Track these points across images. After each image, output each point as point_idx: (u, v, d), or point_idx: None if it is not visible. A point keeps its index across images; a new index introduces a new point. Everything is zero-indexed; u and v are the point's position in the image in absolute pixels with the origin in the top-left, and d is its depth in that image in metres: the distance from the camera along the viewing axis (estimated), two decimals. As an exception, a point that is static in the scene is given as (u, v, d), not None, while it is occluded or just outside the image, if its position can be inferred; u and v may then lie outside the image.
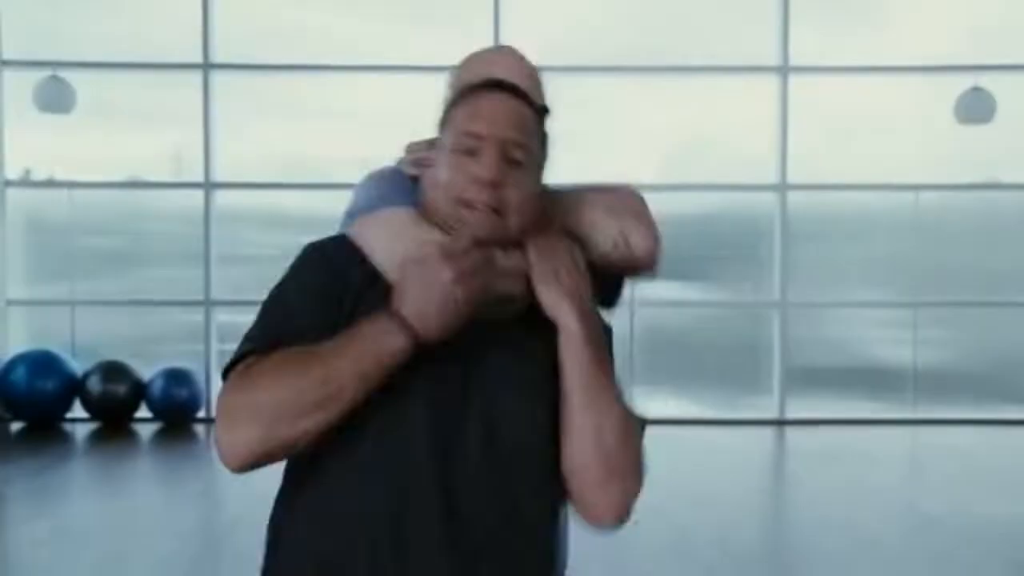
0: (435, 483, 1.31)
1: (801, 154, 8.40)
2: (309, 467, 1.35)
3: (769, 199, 8.53)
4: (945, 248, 8.71)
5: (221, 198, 8.49)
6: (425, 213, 1.45)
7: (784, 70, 8.37)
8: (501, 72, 1.57)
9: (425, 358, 1.32)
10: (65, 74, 8.10)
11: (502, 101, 1.43)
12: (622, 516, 1.39)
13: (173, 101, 8.54)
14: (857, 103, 8.48)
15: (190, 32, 8.27)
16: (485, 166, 1.37)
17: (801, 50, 8.35)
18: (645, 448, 1.41)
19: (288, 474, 1.40)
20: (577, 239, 1.48)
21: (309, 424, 1.28)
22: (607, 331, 1.53)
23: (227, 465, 1.31)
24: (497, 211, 1.38)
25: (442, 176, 1.42)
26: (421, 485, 1.31)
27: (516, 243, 1.41)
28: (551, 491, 1.40)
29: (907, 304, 8.66)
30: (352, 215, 1.54)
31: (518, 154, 1.40)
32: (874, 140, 8.51)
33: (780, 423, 8.33)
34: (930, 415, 8.39)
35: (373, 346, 1.29)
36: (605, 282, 1.53)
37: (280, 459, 1.33)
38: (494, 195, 1.37)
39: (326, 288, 1.40)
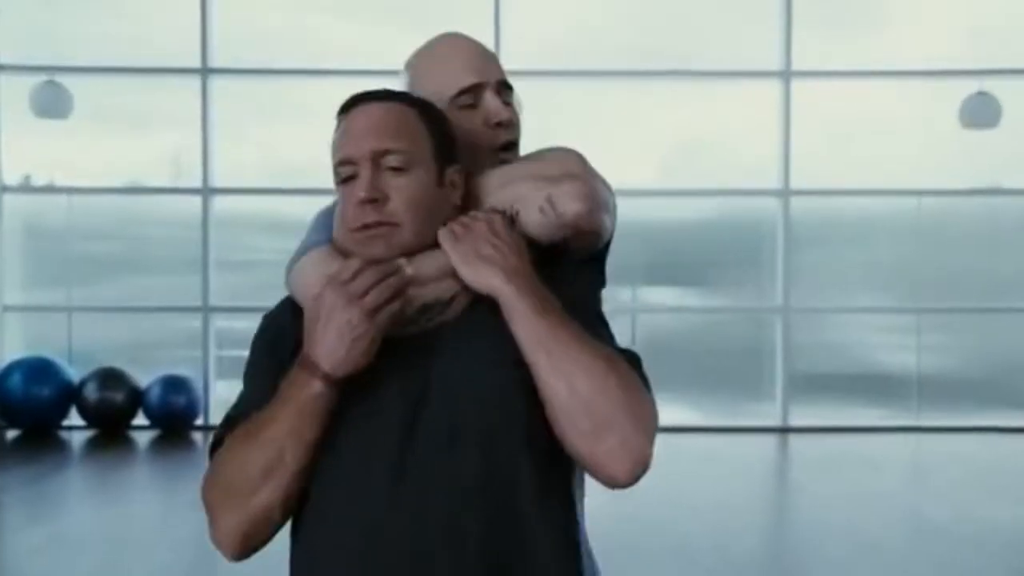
0: (406, 517, 1.25)
1: (803, 159, 8.40)
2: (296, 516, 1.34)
3: (771, 204, 8.54)
4: (948, 253, 8.72)
5: (222, 203, 8.50)
6: (340, 249, 1.41)
7: (786, 74, 8.39)
8: (450, 69, 1.51)
9: (376, 384, 1.29)
10: (62, 79, 8.11)
11: (367, 114, 1.38)
12: (634, 467, 1.26)
13: (171, 106, 8.56)
14: (860, 107, 8.48)
15: (188, 36, 8.28)
16: (359, 187, 1.33)
17: (804, 54, 8.36)
18: (636, 381, 1.29)
19: None
20: (507, 217, 1.40)
21: (268, 494, 1.27)
22: (597, 283, 1.50)
23: (226, 557, 1.32)
24: (390, 224, 1.33)
25: (338, 210, 1.40)
26: (392, 524, 1.25)
27: (432, 245, 1.36)
28: (549, 479, 1.32)
29: (910, 310, 8.66)
30: (289, 264, 1.48)
31: (394, 160, 1.35)
32: (877, 145, 8.50)
33: (783, 430, 8.32)
34: (934, 422, 8.39)
35: (292, 400, 1.26)
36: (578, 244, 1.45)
37: (271, 534, 1.31)
38: (377, 211, 1.33)
39: (269, 357, 1.39)
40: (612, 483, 1.28)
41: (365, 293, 1.25)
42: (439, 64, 1.55)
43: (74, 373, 7.97)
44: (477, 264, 1.33)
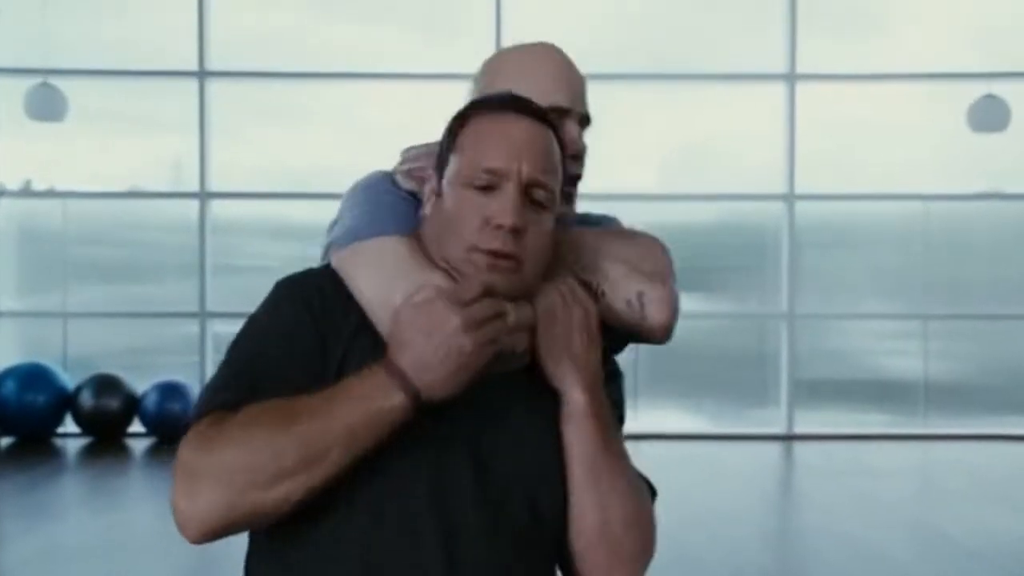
0: (438, 557, 1.20)
1: (809, 163, 8.39)
2: (287, 527, 1.21)
3: (776, 209, 8.53)
4: (956, 259, 8.71)
5: (224, 208, 8.48)
6: (423, 246, 1.30)
7: (791, 77, 8.37)
8: (543, 82, 1.44)
9: (422, 417, 1.19)
10: (57, 81, 8.07)
11: (526, 130, 1.26)
12: None
13: (169, 109, 8.55)
14: (866, 111, 8.46)
15: (186, 39, 8.27)
16: (507, 211, 1.21)
17: (809, 57, 8.35)
18: (654, 519, 1.34)
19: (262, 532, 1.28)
20: (589, 288, 1.35)
21: (287, 490, 1.13)
22: (617, 375, 1.43)
23: (185, 535, 1.16)
24: (515, 259, 1.23)
25: (450, 211, 1.25)
26: (422, 558, 1.20)
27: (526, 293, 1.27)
28: (555, 560, 1.33)
29: (917, 316, 8.64)
30: (337, 241, 1.35)
31: (541, 195, 1.25)
32: (883, 149, 8.48)
33: (788, 438, 8.30)
34: (941, 430, 8.37)
35: (365, 403, 1.14)
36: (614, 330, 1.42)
37: (249, 529, 1.21)
38: (514, 243, 1.22)
39: (307, 332, 1.25)
40: None
41: (483, 322, 1.16)
42: (531, 71, 1.47)
43: (69, 380, 7.95)
44: (562, 360, 1.27)
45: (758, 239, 8.71)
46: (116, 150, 8.70)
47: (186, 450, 1.18)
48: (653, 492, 1.39)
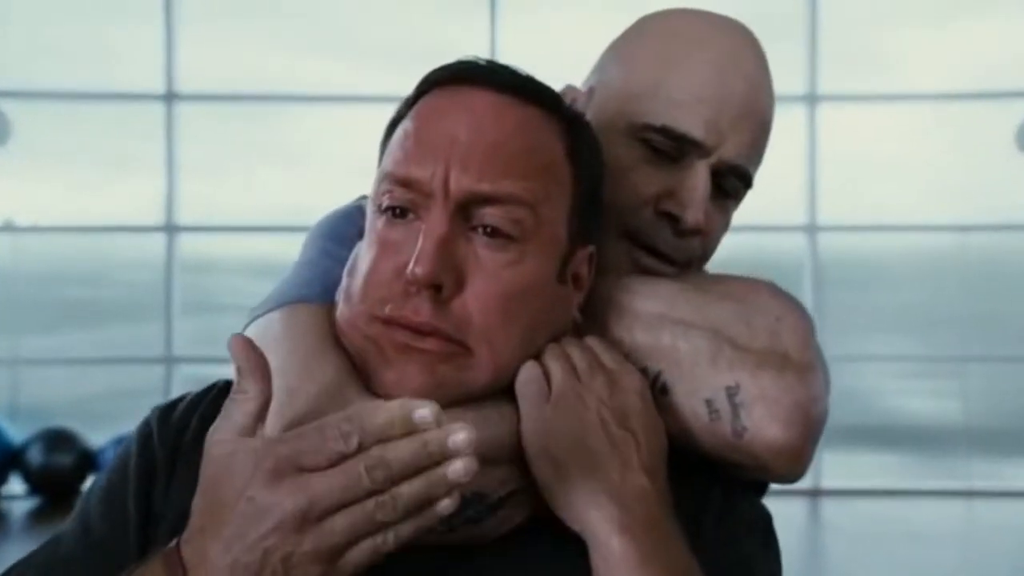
0: None
1: (832, 190, 8.10)
2: None
3: (797, 241, 8.23)
4: (996, 295, 8.44)
5: (215, 246, 8.28)
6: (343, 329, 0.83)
7: (812, 99, 8.07)
8: (679, 89, 0.92)
9: None
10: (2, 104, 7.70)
11: (464, 107, 0.79)
12: None
13: (135, 137, 8.24)
14: (896, 134, 8.25)
15: (152, 67, 7.94)
16: (417, 252, 0.75)
17: (832, 76, 8.06)
18: None
19: None
20: (648, 376, 0.85)
21: None
22: (756, 528, 0.87)
23: None
24: (451, 341, 0.76)
25: (361, 259, 0.81)
26: None
27: (505, 389, 0.80)
28: None
29: (953, 358, 8.31)
30: (253, 313, 0.91)
31: (498, 218, 0.76)
32: (917, 176, 8.29)
33: (814, 493, 7.98)
34: (986, 485, 8.02)
35: None
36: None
37: None
38: (434, 307, 0.75)
39: (127, 498, 0.83)
40: None
41: (340, 507, 0.63)
42: (665, 66, 0.96)
43: (16, 433, 7.56)
44: (572, 474, 0.75)
45: (778, 274, 8.37)
46: (74, 183, 8.53)
47: None
48: None
